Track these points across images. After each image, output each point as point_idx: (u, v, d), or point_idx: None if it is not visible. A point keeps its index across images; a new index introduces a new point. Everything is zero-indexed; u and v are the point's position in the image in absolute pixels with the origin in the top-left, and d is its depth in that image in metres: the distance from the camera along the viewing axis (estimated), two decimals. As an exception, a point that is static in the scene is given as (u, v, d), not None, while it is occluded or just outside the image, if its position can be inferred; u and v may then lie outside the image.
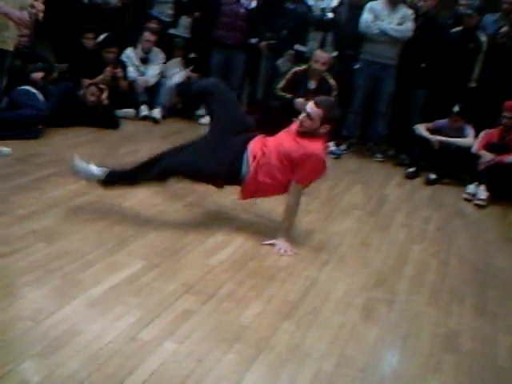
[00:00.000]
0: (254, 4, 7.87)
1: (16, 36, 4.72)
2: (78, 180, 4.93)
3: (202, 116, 8.15)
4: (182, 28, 8.43)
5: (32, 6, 4.75)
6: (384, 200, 6.06)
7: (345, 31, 7.58)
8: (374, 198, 6.07)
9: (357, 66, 7.54)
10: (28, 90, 6.24)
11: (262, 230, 4.64)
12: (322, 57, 6.86)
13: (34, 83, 6.52)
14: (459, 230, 5.56)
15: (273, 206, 5.21)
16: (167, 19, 8.34)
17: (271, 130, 6.52)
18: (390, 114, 7.75)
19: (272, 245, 4.37)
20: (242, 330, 3.24)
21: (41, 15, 4.70)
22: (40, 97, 6.24)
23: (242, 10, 7.81)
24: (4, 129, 5.81)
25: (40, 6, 4.72)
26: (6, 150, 4.61)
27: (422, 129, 7.09)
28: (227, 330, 3.23)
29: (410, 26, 7.20)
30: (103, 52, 7.37)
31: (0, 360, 2.67)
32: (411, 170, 7.05)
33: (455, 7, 7.63)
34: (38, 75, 6.70)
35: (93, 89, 6.85)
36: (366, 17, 7.26)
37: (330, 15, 7.47)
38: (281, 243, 4.37)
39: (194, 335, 3.12)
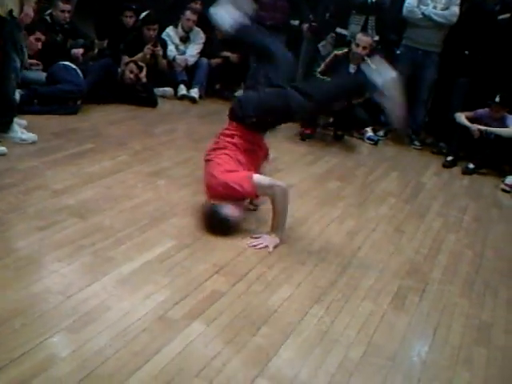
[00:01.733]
0: (296, -15, 7.78)
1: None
2: (113, 157, 4.98)
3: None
4: None
5: None
6: (420, 188, 5.97)
7: (388, 15, 7.46)
8: (410, 185, 5.99)
9: (398, 52, 7.43)
10: (67, 66, 6.26)
11: (295, 215, 4.60)
12: (364, 40, 6.75)
13: (74, 59, 6.56)
14: (496, 222, 5.47)
15: (307, 189, 5.19)
16: (211, -1, 8.31)
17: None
18: (431, 102, 7.63)
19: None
20: (271, 314, 3.23)
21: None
22: (79, 73, 6.27)
23: (285, -9, 7.74)
24: (43, 103, 5.87)
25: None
26: (1, 148, 4.65)
27: (462, 117, 6.97)
28: (255, 312, 3.22)
29: (455, 10, 7.04)
30: (144, 29, 7.36)
31: (30, 333, 2.71)
32: (449, 158, 6.94)
33: (503, -7, 7.45)
34: (79, 51, 6.74)
35: (132, 66, 6.85)
36: (411, 1, 7.14)
37: (374, -1, 7.36)
38: (266, 238, 4.07)
39: (221, 317, 3.12)
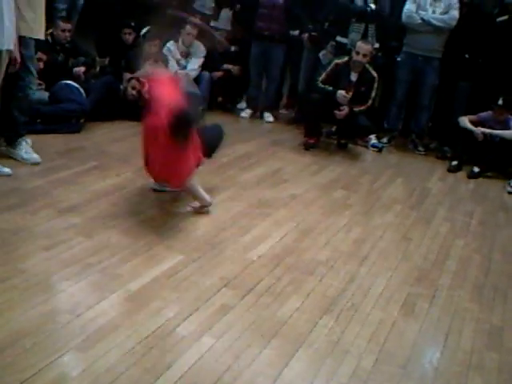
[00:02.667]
0: (292, -5, 7.80)
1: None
2: (118, 173, 5.00)
3: (243, 109, 8.18)
4: (224, 21, 8.43)
5: None
6: (426, 194, 5.96)
7: (388, 23, 7.46)
8: (416, 191, 5.98)
9: (399, 59, 7.44)
10: (70, 84, 6.29)
11: (301, 225, 4.61)
12: (364, 48, 6.76)
13: (75, 78, 6.58)
14: (503, 225, 5.44)
15: (312, 199, 5.19)
16: (209, 12, 8.34)
17: (311, 123, 6.53)
18: (433, 107, 7.63)
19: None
20: (280, 326, 3.22)
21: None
22: (81, 91, 6.29)
23: (280, 1, 7.75)
24: (46, 123, 5.89)
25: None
26: (6, 170, 4.68)
27: (465, 121, 6.95)
28: (265, 325, 3.21)
29: (454, 14, 7.04)
30: (145, 45, 7.38)
31: (41, 353, 2.71)
32: (454, 163, 6.92)
33: (501, -5, 7.45)
34: (80, 70, 6.77)
35: (134, 83, 6.86)
36: (409, 6, 7.14)
37: (373, 6, 7.36)
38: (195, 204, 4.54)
39: (231, 330, 3.11)
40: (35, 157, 5.05)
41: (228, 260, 3.88)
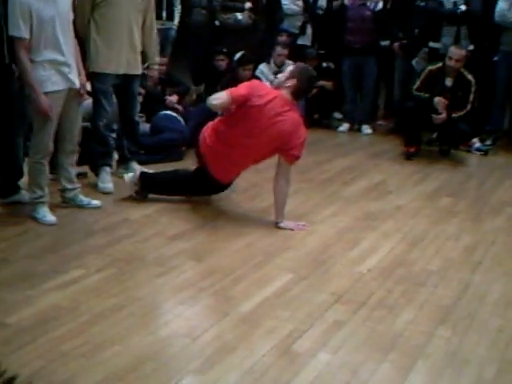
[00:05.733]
0: (380, 5, 7.76)
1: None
2: (223, 198, 5.06)
3: (340, 122, 8.16)
4: (310, 37, 8.50)
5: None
6: (538, 194, 5.75)
7: (480, 23, 7.29)
8: (527, 193, 5.77)
9: (496, 58, 7.24)
10: (168, 115, 6.48)
11: (409, 235, 4.54)
12: (456, 53, 6.61)
13: (172, 108, 6.77)
14: None
15: (418, 209, 5.11)
16: (297, 31, 8.40)
17: (409, 132, 6.41)
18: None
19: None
20: (396, 339, 3.17)
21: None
22: (180, 120, 6.46)
23: (368, 13, 7.72)
24: (149, 153, 6.07)
25: None
26: (96, 202, 4.86)
27: None
28: (380, 338, 3.17)
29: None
30: (239, 70, 7.50)
31: (161, 377, 2.77)
32: None
33: None
34: (173, 99, 6.94)
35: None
36: (501, 5, 6.96)
37: (463, 8, 7.22)
38: (286, 223, 4.55)
39: (346, 345, 3.09)
40: (109, 186, 5.25)
41: (337, 275, 3.87)
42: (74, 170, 4.82)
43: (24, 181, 4.81)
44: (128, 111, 5.46)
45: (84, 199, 4.82)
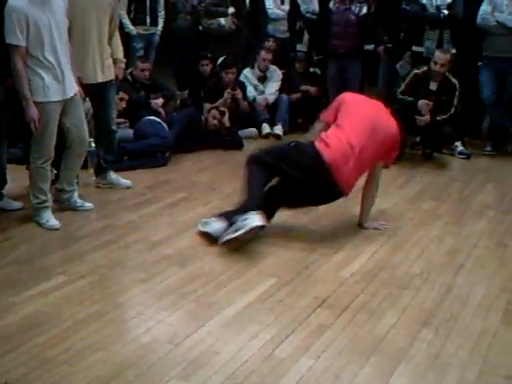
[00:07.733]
0: (364, 10, 7.78)
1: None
2: (206, 203, 5.08)
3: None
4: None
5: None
6: (519, 197, 5.79)
7: (463, 27, 7.32)
8: (509, 195, 5.79)
9: (480, 64, 7.26)
10: (152, 120, 6.47)
11: (392, 239, 4.56)
12: (441, 58, 6.65)
13: (156, 112, 6.77)
14: None
15: (401, 212, 5.13)
16: (282, 36, 8.41)
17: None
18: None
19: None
20: (379, 342, 3.18)
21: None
22: (164, 125, 6.46)
23: (353, 17, 7.74)
24: (133, 159, 6.07)
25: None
26: (88, 205, 4.89)
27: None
28: (363, 342, 3.18)
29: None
30: (222, 74, 7.51)
31: (143, 383, 2.77)
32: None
33: None
34: (158, 103, 6.95)
35: (214, 112, 6.99)
36: (484, 8, 6.95)
37: (446, 12, 7.25)
38: (369, 223, 4.75)
39: (329, 349, 3.10)
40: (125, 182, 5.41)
41: (321, 279, 3.88)
42: (77, 173, 4.91)
43: (7, 188, 4.81)
44: (104, 119, 5.25)
45: (78, 201, 4.86)
